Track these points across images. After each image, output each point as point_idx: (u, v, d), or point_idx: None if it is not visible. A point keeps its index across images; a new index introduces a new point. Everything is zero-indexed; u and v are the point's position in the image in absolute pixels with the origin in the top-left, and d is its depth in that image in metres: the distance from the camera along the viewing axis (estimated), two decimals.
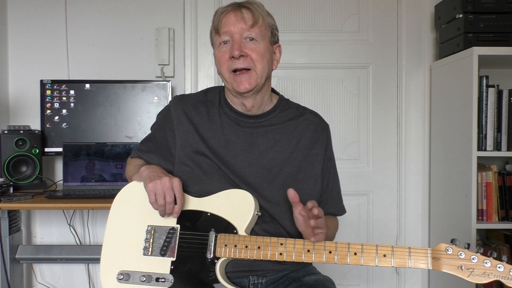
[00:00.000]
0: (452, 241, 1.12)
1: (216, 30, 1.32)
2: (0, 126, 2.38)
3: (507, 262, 1.08)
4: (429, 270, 2.55)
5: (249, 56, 1.29)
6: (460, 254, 1.10)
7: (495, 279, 1.07)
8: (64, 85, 2.35)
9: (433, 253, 1.12)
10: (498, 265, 1.08)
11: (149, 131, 1.50)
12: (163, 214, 1.28)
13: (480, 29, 2.14)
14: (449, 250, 1.11)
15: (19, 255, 2.35)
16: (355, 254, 1.16)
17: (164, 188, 1.24)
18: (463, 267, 1.09)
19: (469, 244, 1.11)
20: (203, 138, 1.36)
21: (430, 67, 2.56)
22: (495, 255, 1.09)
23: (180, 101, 1.42)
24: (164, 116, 1.44)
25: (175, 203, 1.26)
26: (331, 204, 1.44)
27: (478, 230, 2.17)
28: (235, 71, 1.30)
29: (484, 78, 2.13)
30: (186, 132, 1.37)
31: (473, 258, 1.09)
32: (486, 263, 1.08)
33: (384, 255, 1.14)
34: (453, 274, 1.10)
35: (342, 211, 1.49)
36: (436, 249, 1.12)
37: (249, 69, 1.30)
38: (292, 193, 1.17)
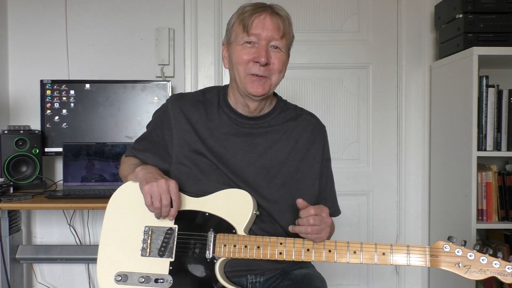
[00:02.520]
0: (449, 239, 1.13)
1: (244, 27, 1.28)
2: (0, 126, 2.38)
3: (503, 259, 1.09)
4: (428, 270, 2.57)
5: (272, 64, 1.29)
6: (457, 252, 1.11)
7: (491, 275, 1.09)
8: (64, 85, 2.35)
9: (431, 251, 1.13)
10: (494, 262, 1.09)
11: (146, 129, 1.49)
12: (159, 216, 1.28)
13: (480, 29, 2.14)
14: (446, 247, 1.12)
15: (19, 255, 2.35)
16: (354, 252, 1.17)
17: (160, 191, 1.23)
18: (460, 264, 1.11)
19: (465, 241, 1.13)
20: (201, 138, 1.36)
21: (430, 67, 2.56)
22: (491, 251, 1.10)
23: (177, 100, 1.41)
24: (161, 115, 1.43)
25: (171, 206, 1.26)
26: (329, 204, 1.44)
27: (478, 230, 2.17)
28: (252, 74, 1.29)
29: (484, 78, 2.13)
30: (184, 131, 1.37)
31: (469, 255, 1.11)
32: (482, 260, 1.10)
33: (383, 253, 1.15)
34: (450, 271, 1.12)
35: (338, 211, 1.49)
36: (434, 247, 1.14)
37: (266, 76, 1.30)
38: (300, 202, 1.21)
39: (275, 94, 1.46)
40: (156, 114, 1.46)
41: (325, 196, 1.43)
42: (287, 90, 2.60)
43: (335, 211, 1.48)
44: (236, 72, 1.32)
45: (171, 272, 1.26)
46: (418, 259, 1.13)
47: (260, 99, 1.34)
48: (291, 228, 1.22)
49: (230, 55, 1.35)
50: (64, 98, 2.35)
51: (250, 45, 1.29)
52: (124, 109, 2.36)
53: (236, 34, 1.32)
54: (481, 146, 2.13)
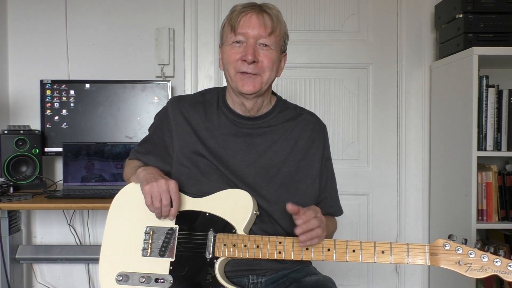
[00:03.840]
0: (450, 237, 1.13)
1: (232, 27, 1.30)
2: (0, 126, 2.38)
3: (504, 257, 1.08)
4: (429, 269, 2.57)
5: (260, 62, 1.29)
6: (458, 250, 1.11)
7: (492, 273, 1.08)
8: (64, 85, 2.35)
9: (431, 249, 1.12)
10: (495, 260, 1.08)
11: (148, 132, 1.50)
12: (160, 216, 1.28)
13: (480, 29, 2.14)
14: (446, 245, 1.11)
15: (19, 255, 2.35)
16: (354, 251, 1.16)
17: (160, 191, 1.24)
18: (460, 262, 1.10)
19: (466, 240, 1.12)
20: (200, 139, 1.36)
21: (430, 67, 2.56)
22: (492, 250, 1.09)
23: (177, 102, 1.42)
24: (161, 117, 1.44)
25: (172, 206, 1.26)
26: (330, 203, 1.45)
27: (478, 230, 2.16)
28: (242, 72, 1.30)
29: (484, 78, 2.13)
30: (184, 133, 1.37)
31: (470, 253, 1.10)
32: (483, 257, 1.09)
33: (383, 252, 1.15)
34: (451, 269, 1.11)
35: (340, 211, 1.49)
36: (434, 245, 1.13)
37: (256, 74, 1.30)
38: (290, 207, 1.16)
39: (274, 94, 1.46)
40: (157, 117, 1.47)
41: (325, 195, 1.43)
42: (287, 90, 2.60)
43: (337, 210, 1.48)
44: (227, 72, 1.33)
45: (171, 272, 1.26)
46: (417, 258, 1.13)
47: (254, 97, 1.33)
48: (301, 243, 1.17)
49: (222, 56, 1.36)
50: (64, 98, 2.35)
51: (238, 44, 1.30)
52: (124, 109, 2.36)
53: (226, 35, 1.33)
54: (481, 146, 2.13)
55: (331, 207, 1.45)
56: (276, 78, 1.38)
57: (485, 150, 2.14)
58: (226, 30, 1.34)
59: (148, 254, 1.29)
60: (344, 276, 2.61)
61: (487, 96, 2.13)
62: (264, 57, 1.30)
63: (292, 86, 2.61)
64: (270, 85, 1.38)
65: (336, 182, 1.49)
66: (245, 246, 1.22)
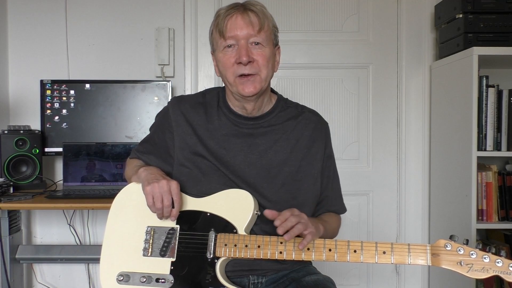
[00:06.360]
0: (451, 237, 1.12)
1: (220, 33, 1.29)
2: (0, 126, 2.38)
3: (506, 257, 1.08)
4: (429, 269, 2.57)
5: (256, 61, 1.28)
6: (459, 250, 1.10)
7: (494, 274, 1.08)
8: (64, 85, 2.35)
9: (432, 249, 1.12)
10: (497, 260, 1.08)
11: (149, 132, 1.50)
12: (161, 217, 1.27)
13: (480, 29, 2.14)
14: (448, 246, 1.11)
15: (19, 255, 2.35)
16: (355, 251, 1.16)
17: (161, 191, 1.23)
18: (462, 263, 1.10)
19: (467, 240, 1.12)
20: (201, 140, 1.36)
21: (430, 67, 2.56)
22: (493, 250, 1.09)
23: (178, 103, 1.42)
24: (162, 118, 1.44)
25: (173, 206, 1.26)
26: (332, 202, 1.45)
27: (478, 230, 2.17)
28: (240, 75, 1.29)
29: (484, 78, 2.13)
30: (184, 134, 1.37)
31: (472, 254, 1.10)
32: (485, 258, 1.09)
33: (384, 252, 1.14)
34: (452, 270, 1.11)
35: (343, 209, 1.49)
36: (435, 245, 1.12)
37: (254, 74, 1.29)
38: (268, 213, 1.18)
39: (275, 93, 1.46)
40: (158, 117, 1.47)
41: (327, 194, 1.43)
42: (287, 90, 2.60)
43: (339, 208, 1.48)
44: (225, 78, 1.32)
45: (172, 272, 1.26)
46: (419, 258, 1.12)
47: (255, 98, 1.33)
48: (287, 237, 1.17)
49: (217, 63, 1.35)
50: (64, 98, 2.35)
51: (230, 48, 1.29)
52: (124, 109, 2.36)
53: (216, 42, 1.33)
54: (481, 146, 2.13)
55: (332, 206, 1.45)
56: (274, 73, 1.37)
57: (485, 150, 2.14)
58: (215, 36, 1.32)
59: (149, 254, 1.29)
60: (344, 276, 2.61)
61: (487, 96, 2.13)
62: (258, 56, 1.28)
63: (292, 86, 2.61)
64: (269, 83, 1.37)
65: (339, 180, 1.49)
66: (246, 246, 1.22)
